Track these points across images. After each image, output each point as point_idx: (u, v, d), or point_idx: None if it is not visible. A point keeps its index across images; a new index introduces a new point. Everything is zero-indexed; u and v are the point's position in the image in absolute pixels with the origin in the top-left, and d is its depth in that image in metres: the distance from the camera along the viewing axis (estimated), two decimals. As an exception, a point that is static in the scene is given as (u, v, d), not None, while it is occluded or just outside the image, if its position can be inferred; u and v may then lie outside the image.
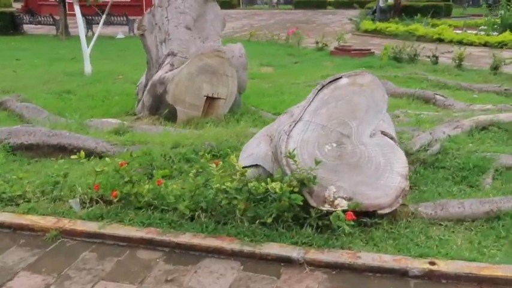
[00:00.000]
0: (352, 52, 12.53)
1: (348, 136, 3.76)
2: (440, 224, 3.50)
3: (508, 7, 16.20)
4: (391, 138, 4.08)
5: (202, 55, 6.09)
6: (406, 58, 11.52)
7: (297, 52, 13.89)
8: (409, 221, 3.50)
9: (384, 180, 3.56)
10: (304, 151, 3.57)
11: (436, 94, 7.44)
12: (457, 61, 10.53)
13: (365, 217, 3.42)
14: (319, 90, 3.97)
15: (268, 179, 3.43)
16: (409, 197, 3.81)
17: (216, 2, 7.06)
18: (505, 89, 7.95)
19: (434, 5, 25.51)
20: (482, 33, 16.49)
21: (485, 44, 15.19)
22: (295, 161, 3.39)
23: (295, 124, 3.72)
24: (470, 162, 4.47)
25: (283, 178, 3.39)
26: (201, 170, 3.87)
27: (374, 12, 23.85)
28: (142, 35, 6.82)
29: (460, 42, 15.72)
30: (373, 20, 22.59)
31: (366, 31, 19.68)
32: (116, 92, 8.31)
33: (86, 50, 10.09)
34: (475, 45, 15.27)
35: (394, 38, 17.64)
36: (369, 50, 12.72)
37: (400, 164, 3.79)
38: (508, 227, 3.44)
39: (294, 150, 3.46)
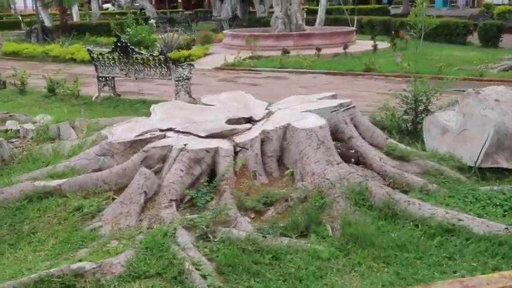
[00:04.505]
0: None
1: None
2: None
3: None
4: None
5: None
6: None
7: None
8: None
9: None
10: None
11: None
12: (19, 84, 10.78)
13: None
14: None
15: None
16: None
17: None
18: (10, 115, 7.94)
19: (107, 22, 26.18)
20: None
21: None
22: None
23: None
24: None
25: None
26: None
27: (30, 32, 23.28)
28: None
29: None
30: (37, 41, 22.12)
31: (6, 54, 18.79)
32: None
33: None
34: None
35: (32, 60, 17.65)
36: None
37: None
38: None
39: None
